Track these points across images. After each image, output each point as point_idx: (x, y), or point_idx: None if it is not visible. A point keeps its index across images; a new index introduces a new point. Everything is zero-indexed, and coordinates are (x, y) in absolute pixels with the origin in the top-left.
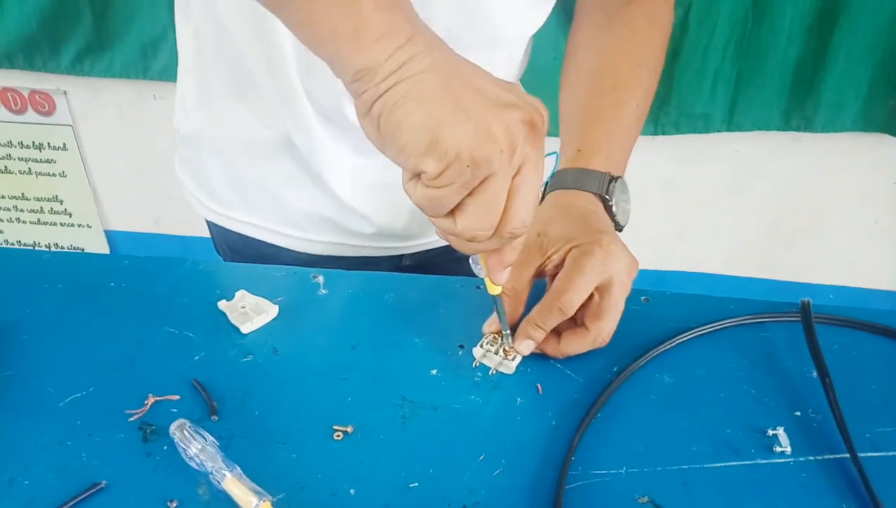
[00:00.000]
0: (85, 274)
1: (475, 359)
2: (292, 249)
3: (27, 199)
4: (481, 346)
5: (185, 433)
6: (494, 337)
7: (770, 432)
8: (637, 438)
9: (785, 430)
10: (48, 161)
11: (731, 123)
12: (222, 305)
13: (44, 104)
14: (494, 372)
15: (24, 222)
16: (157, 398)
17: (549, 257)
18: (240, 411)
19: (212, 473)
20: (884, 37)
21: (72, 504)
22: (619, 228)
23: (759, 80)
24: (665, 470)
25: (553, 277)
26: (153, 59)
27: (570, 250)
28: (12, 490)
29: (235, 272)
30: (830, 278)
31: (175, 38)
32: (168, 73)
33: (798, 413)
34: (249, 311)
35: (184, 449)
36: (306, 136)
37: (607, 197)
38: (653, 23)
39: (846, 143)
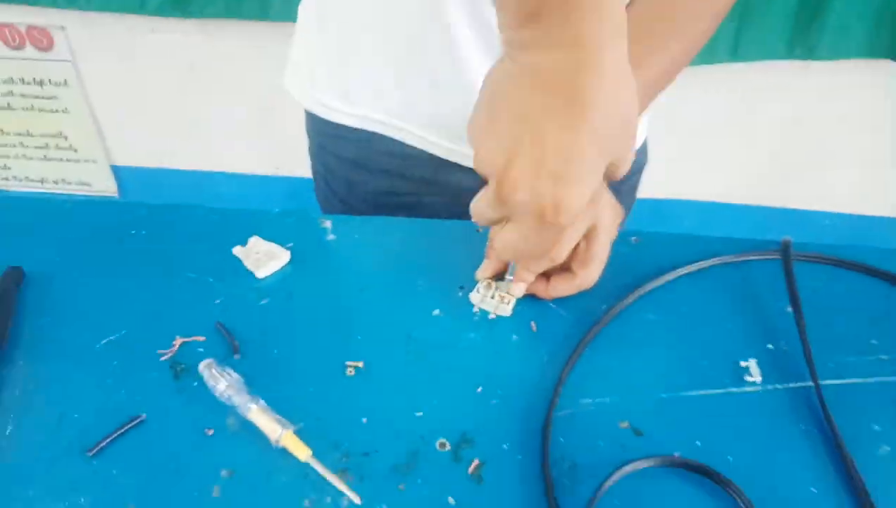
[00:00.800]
0: (106, 223)
1: (474, 305)
2: (405, 141)
3: (32, 135)
4: (478, 291)
5: (213, 371)
6: (489, 283)
7: (742, 363)
8: (621, 370)
9: (757, 362)
10: (50, 97)
11: (736, 52)
12: (237, 251)
13: (42, 40)
14: (494, 315)
15: (30, 158)
16: (184, 340)
17: None
18: (259, 350)
19: (238, 406)
20: None
21: (117, 434)
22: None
23: (764, 6)
24: (645, 399)
25: None
26: None
27: None
28: (63, 424)
29: (246, 217)
30: (834, 207)
31: None
32: (164, 8)
33: (770, 346)
34: (263, 257)
35: (213, 387)
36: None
37: None
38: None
39: (851, 70)
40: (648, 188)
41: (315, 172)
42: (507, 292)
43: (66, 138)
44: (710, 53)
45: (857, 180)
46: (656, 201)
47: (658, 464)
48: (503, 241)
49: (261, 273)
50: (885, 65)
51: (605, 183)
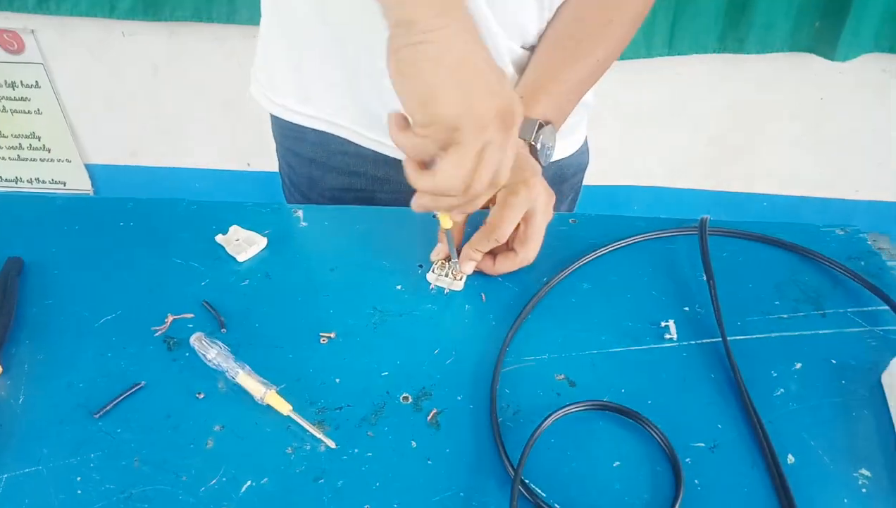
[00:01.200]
0: (97, 216)
1: (430, 283)
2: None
3: (5, 136)
4: (433, 271)
5: (203, 342)
6: (442, 263)
7: (663, 323)
8: (558, 332)
9: (675, 322)
10: (22, 99)
11: (672, 47)
12: (219, 238)
13: (12, 43)
14: (448, 291)
15: (3, 158)
16: (175, 317)
17: None
18: (243, 324)
19: (227, 371)
20: None
21: (119, 399)
22: (542, 165)
23: (696, 6)
24: (578, 355)
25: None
26: None
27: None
28: (71, 391)
29: (226, 209)
30: (764, 188)
31: None
32: (134, 11)
33: (686, 309)
34: (243, 243)
35: (203, 355)
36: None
37: (533, 143)
38: None
39: (776, 63)
40: (599, 177)
41: (280, 169)
42: (458, 271)
43: (39, 139)
44: (648, 48)
45: (786, 163)
46: (607, 187)
47: (587, 408)
48: (445, 172)
49: (242, 257)
50: (808, 58)
51: (542, 174)
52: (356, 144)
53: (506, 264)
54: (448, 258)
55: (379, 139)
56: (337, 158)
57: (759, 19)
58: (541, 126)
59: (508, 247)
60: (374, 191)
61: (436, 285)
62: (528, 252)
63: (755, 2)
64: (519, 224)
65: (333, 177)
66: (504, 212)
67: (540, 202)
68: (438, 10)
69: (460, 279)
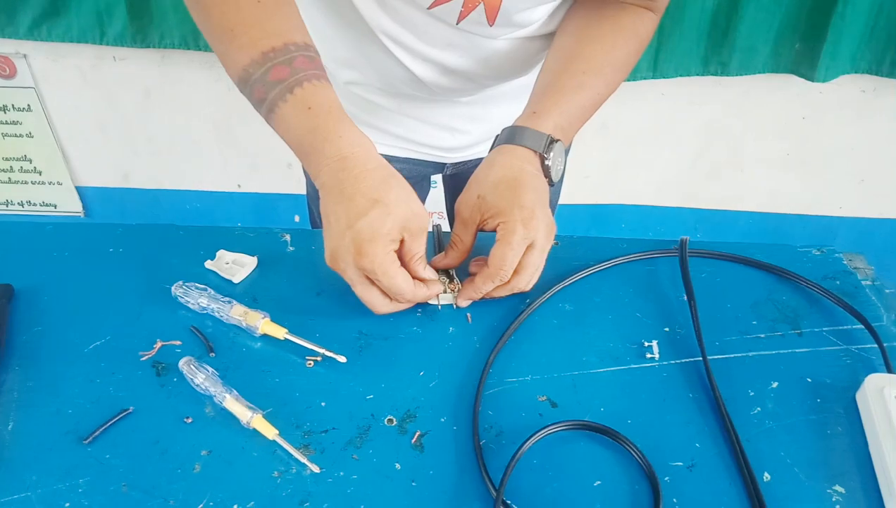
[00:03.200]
0: (87, 242)
1: None
2: None
3: None
4: None
5: (192, 366)
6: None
7: (645, 343)
8: (540, 353)
9: (658, 342)
10: (14, 123)
11: (656, 70)
12: (209, 264)
13: (4, 68)
14: (441, 306)
15: None
16: (164, 343)
17: (484, 221)
18: (231, 348)
19: (214, 396)
20: None
21: (109, 424)
22: (551, 183)
23: (679, 30)
24: (560, 376)
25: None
26: (109, 25)
27: (498, 225)
28: (60, 418)
29: (214, 233)
30: (749, 206)
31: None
32: (124, 37)
33: (667, 329)
34: (234, 265)
35: (191, 379)
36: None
37: (545, 155)
38: (634, 32)
39: (758, 84)
40: (587, 195)
41: (307, 193)
42: (456, 301)
43: (30, 161)
44: (633, 71)
45: (771, 181)
46: (595, 205)
47: (568, 428)
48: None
49: (237, 279)
50: (789, 78)
51: (546, 204)
52: None
53: (500, 292)
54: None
55: (389, 143)
56: None
57: (740, 43)
58: (552, 141)
59: None
60: None
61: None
62: (520, 280)
63: (736, 26)
64: None
65: None
66: (504, 252)
67: (539, 236)
68: (325, 172)
69: (451, 293)
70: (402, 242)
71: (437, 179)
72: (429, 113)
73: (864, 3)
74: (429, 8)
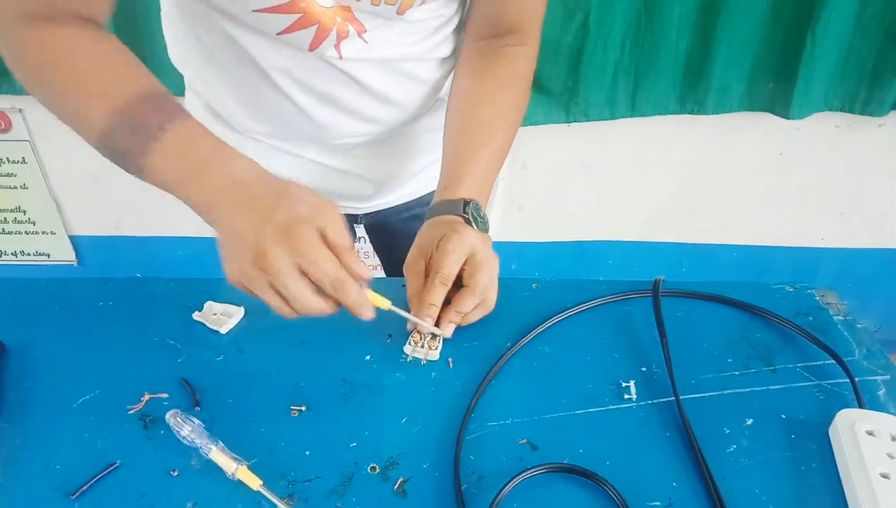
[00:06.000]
0: (77, 297)
1: (407, 355)
2: None
3: None
4: (410, 343)
5: (178, 419)
6: (418, 336)
7: (623, 384)
8: (520, 396)
9: (635, 383)
10: (9, 175)
11: (634, 109)
12: (196, 315)
13: (0, 122)
14: (425, 361)
15: None
16: (151, 396)
17: (430, 258)
18: (217, 399)
19: (200, 448)
20: (759, 28)
21: (95, 480)
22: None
23: (655, 71)
24: (540, 419)
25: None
26: None
27: (437, 244)
28: (47, 474)
29: (202, 285)
30: (732, 239)
31: None
32: None
33: (644, 369)
34: (221, 316)
35: (178, 432)
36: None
37: (465, 215)
38: (515, 77)
39: (735, 121)
40: (573, 232)
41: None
42: (439, 334)
43: (24, 212)
44: (612, 110)
45: (753, 215)
46: (581, 242)
47: (548, 470)
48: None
49: (224, 329)
50: (764, 115)
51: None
52: None
53: (466, 302)
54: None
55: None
56: None
57: (715, 83)
58: (467, 203)
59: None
60: None
61: (413, 356)
62: (479, 282)
63: (711, 66)
64: (464, 265)
65: None
66: (441, 257)
67: (475, 239)
68: (209, 206)
69: (436, 349)
70: (324, 239)
71: (361, 232)
72: (330, 158)
73: (832, 44)
74: (278, 34)
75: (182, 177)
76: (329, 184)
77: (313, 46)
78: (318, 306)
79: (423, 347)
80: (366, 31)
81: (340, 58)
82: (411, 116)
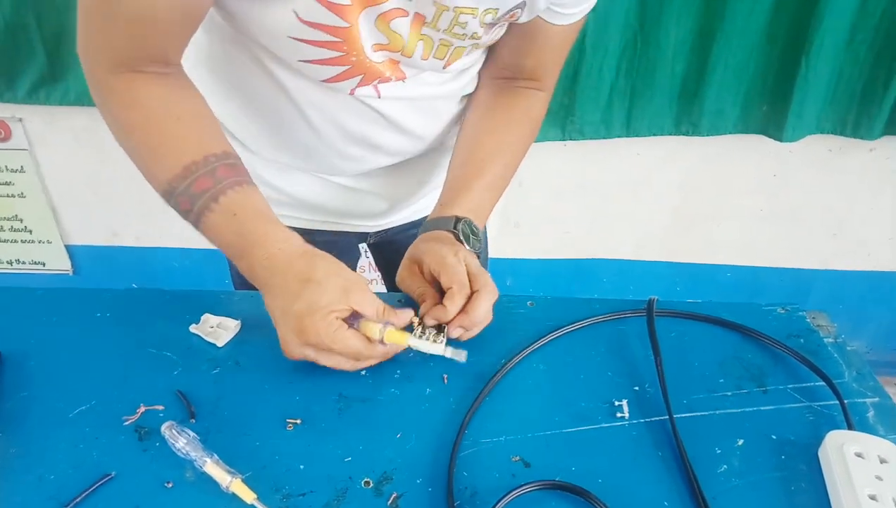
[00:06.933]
0: (74, 308)
1: (412, 347)
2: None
3: None
4: (414, 336)
5: (173, 431)
6: (421, 326)
7: (616, 402)
8: (514, 413)
9: (627, 401)
10: (6, 183)
11: (630, 129)
12: (193, 328)
13: (0, 132)
14: (428, 354)
15: None
16: (147, 407)
17: (421, 267)
18: (213, 412)
19: (195, 460)
20: (754, 52)
21: (89, 491)
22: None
23: (650, 92)
24: (533, 436)
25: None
26: None
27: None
28: (42, 485)
29: (198, 297)
30: (727, 259)
31: None
32: None
33: (637, 388)
34: (218, 329)
35: (172, 444)
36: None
37: (455, 231)
38: (526, 116)
39: (730, 143)
40: (568, 250)
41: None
42: (437, 333)
43: (21, 221)
44: (607, 130)
45: (747, 236)
46: (576, 260)
47: (540, 487)
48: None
49: (221, 342)
50: (756, 138)
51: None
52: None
53: (451, 304)
54: (422, 323)
55: (313, 218)
56: None
57: (709, 105)
58: (458, 220)
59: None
60: None
61: (416, 349)
62: (473, 285)
63: (705, 89)
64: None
65: None
66: (448, 270)
67: (462, 251)
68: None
69: (441, 342)
70: (353, 312)
71: (365, 248)
72: (348, 180)
73: (824, 68)
74: (322, 81)
75: (229, 252)
76: (344, 204)
77: (354, 91)
78: (354, 366)
79: (427, 339)
80: (406, 78)
81: (378, 97)
82: (430, 147)
